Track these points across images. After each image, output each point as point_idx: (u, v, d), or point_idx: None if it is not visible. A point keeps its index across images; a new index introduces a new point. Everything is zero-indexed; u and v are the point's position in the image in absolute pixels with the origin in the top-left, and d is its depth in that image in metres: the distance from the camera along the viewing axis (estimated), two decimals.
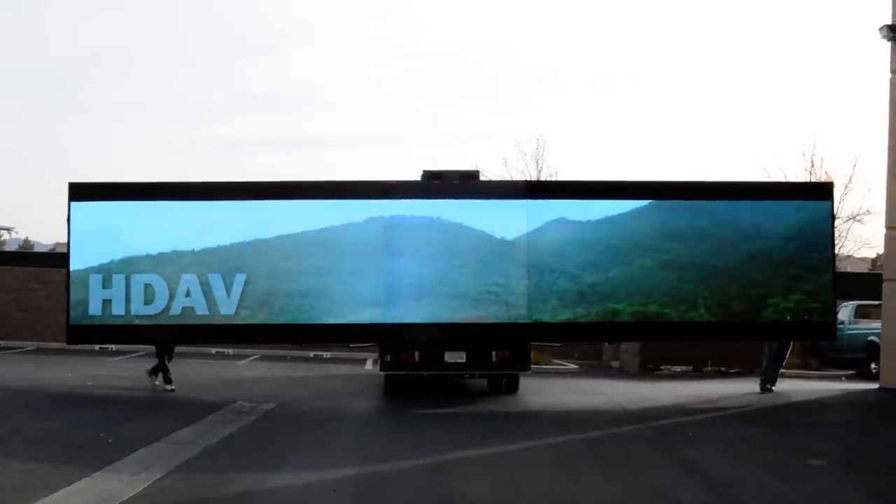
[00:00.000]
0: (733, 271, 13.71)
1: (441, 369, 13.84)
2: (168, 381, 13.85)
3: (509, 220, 13.58)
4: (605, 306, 13.59)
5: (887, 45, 15.93)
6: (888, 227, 15.96)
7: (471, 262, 13.59)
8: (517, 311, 13.49)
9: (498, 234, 13.61)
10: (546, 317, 13.50)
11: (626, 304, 13.55)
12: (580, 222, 13.73)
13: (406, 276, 13.43)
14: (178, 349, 14.72)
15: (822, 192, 14.98)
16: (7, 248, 48.25)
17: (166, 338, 13.89)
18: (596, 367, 21.06)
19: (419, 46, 77.90)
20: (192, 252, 13.47)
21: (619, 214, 13.80)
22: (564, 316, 13.54)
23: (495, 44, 73.63)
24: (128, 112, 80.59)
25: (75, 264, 13.42)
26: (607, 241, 13.73)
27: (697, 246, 13.80)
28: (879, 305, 16.51)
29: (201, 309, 13.31)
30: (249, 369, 18.52)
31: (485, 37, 72.10)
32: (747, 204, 13.97)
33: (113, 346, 19.92)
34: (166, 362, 14.02)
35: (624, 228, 13.77)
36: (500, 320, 13.48)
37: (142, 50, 79.11)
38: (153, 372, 14.05)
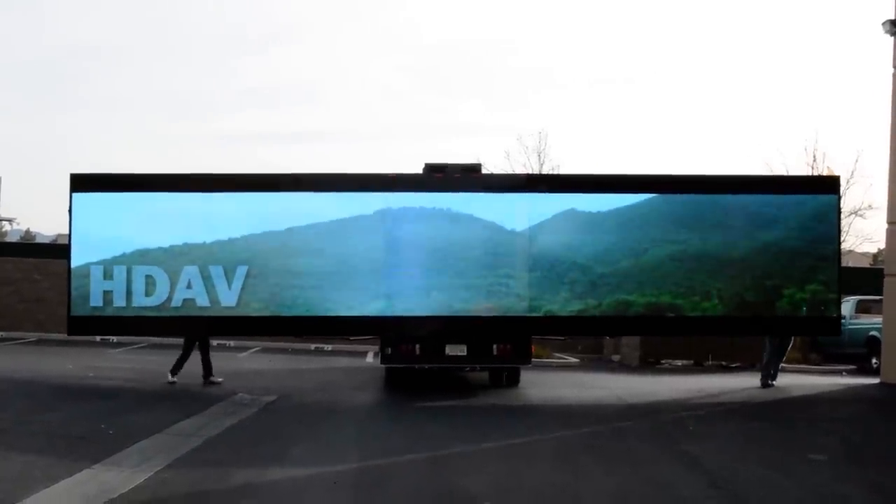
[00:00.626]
0: (746, 262, 13.62)
1: (442, 362, 13.82)
2: (174, 373, 13.88)
3: (512, 213, 13.53)
4: (616, 297, 13.52)
5: (890, 40, 15.90)
6: (890, 223, 15.96)
7: (473, 255, 13.52)
8: (519, 304, 13.46)
9: (500, 227, 13.54)
10: (553, 309, 13.47)
11: (638, 296, 13.49)
12: (589, 213, 13.66)
13: (408, 269, 13.39)
14: (176, 342, 14.71)
15: (828, 185, 14.94)
16: (9, 239, 48.33)
17: (167, 329, 13.94)
18: (597, 360, 21.08)
19: (416, 43, 78.03)
20: (195, 244, 13.44)
21: (629, 206, 13.71)
22: (574, 307, 13.48)
23: (492, 42, 73.84)
24: (128, 106, 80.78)
25: (76, 255, 13.40)
26: (617, 232, 13.64)
27: (709, 237, 13.71)
28: (881, 300, 16.51)
29: (202, 300, 13.30)
30: (250, 361, 18.53)
31: (482, 34, 72.41)
32: (757, 197, 13.91)
33: (114, 338, 19.96)
34: (207, 358, 14.12)
35: (634, 220, 13.69)
36: (502, 313, 13.44)
37: (142, 45, 79.22)
38: (207, 375, 14.07)
